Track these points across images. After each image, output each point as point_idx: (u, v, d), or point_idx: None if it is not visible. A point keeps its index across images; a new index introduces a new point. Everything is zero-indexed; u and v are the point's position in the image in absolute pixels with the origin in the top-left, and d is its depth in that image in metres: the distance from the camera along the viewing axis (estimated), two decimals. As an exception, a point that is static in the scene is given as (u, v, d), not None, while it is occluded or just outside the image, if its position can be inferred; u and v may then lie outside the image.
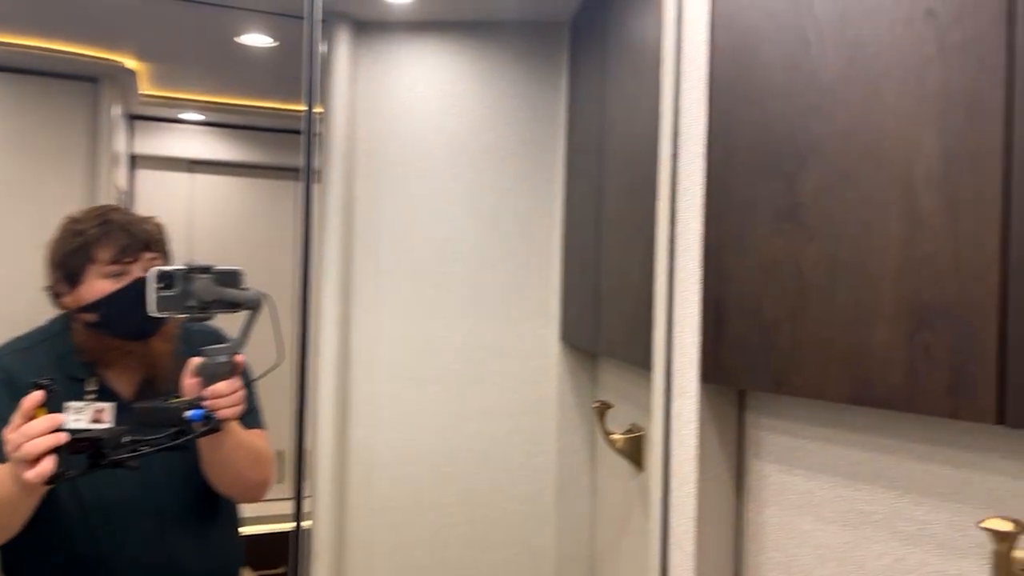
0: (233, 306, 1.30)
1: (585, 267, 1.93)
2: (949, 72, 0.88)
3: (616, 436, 1.69)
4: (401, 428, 2.23)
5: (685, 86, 1.23)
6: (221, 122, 3.39)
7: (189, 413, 1.26)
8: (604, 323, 1.71)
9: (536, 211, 2.24)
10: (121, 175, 3.03)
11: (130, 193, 3.21)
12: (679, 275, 1.22)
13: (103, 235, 1.41)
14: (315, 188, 1.55)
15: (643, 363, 1.36)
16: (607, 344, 1.71)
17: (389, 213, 2.26)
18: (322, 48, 2.10)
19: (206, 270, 1.30)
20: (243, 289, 1.32)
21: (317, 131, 1.54)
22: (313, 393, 2.19)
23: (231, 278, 1.32)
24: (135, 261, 1.41)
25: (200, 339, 1.41)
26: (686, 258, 1.21)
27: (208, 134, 3.41)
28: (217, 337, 1.47)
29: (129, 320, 1.37)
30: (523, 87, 2.25)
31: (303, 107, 1.53)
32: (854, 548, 1.05)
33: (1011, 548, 0.83)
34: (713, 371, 1.16)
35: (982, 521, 0.84)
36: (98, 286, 1.40)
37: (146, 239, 1.44)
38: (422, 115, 2.27)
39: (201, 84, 3.13)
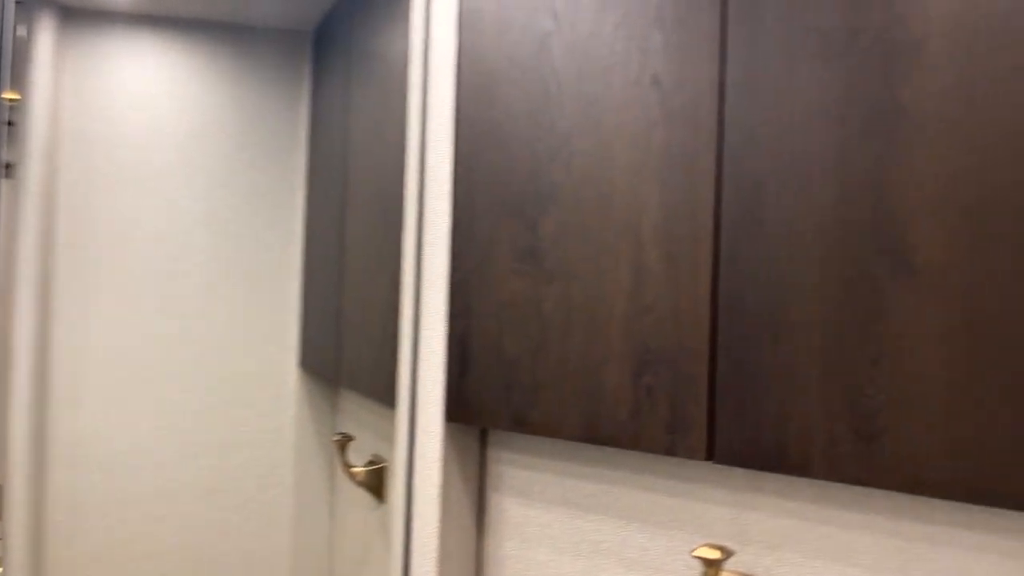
0: None
1: (327, 292, 1.86)
2: (671, 134, 0.95)
3: (357, 469, 1.64)
4: (112, 468, 1.99)
5: (432, 121, 1.22)
6: None
7: None
8: (346, 353, 1.66)
9: (274, 228, 2.12)
10: None
11: None
12: (425, 311, 1.21)
13: None
14: (3, 182, 1.33)
15: (387, 400, 1.33)
16: (349, 376, 1.65)
17: (102, 222, 2.01)
18: (20, 32, 1.83)
19: None
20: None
21: (5, 119, 1.31)
22: (1, 429, 1.88)
23: None
24: None
25: None
26: (432, 294, 1.20)
27: None
28: None
29: None
30: (261, 96, 2.12)
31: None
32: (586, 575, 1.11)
33: (718, 572, 0.92)
34: (457, 410, 1.16)
35: (695, 549, 0.92)
36: None
37: None
38: (146, 117, 2.05)
39: None
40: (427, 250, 1.21)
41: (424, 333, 1.21)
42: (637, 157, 0.98)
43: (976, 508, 0.81)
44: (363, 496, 1.71)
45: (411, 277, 1.23)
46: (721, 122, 0.92)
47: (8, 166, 1.98)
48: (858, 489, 0.88)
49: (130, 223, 2.04)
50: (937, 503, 0.84)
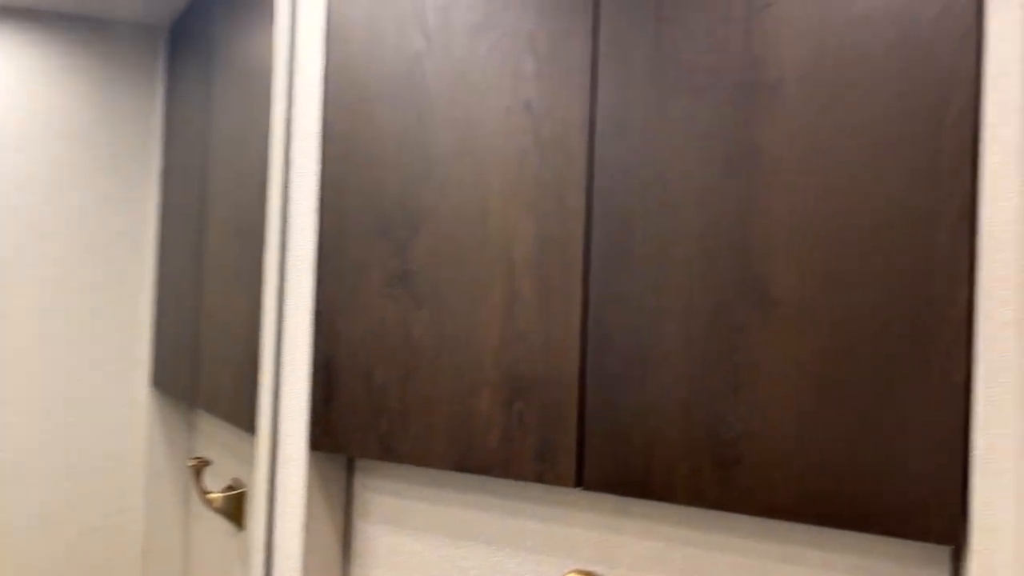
0: None
1: (183, 308, 1.75)
2: (543, 163, 0.96)
3: (214, 495, 1.55)
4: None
5: (298, 135, 1.17)
6: None
7: None
8: (204, 374, 1.56)
9: (124, 237, 1.98)
10: None
11: None
12: (288, 335, 1.16)
13: None
14: None
15: (248, 425, 1.26)
16: (207, 398, 1.56)
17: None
18: None
19: None
20: None
21: None
22: None
23: None
24: None
25: None
26: (296, 316, 1.15)
27: None
28: None
29: None
30: (111, 94, 1.97)
31: None
32: (455, 603, 1.09)
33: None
34: (322, 438, 1.11)
35: (564, 575, 0.93)
36: None
37: None
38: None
39: None
40: (291, 270, 1.16)
41: (287, 356, 1.16)
42: (510, 184, 0.98)
43: (824, 529, 0.86)
44: (221, 523, 1.62)
45: (273, 298, 1.18)
46: (591, 153, 0.93)
47: None
48: (718, 513, 0.92)
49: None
50: (790, 525, 0.88)
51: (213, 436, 1.85)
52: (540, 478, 0.94)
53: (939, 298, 0.77)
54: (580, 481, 0.92)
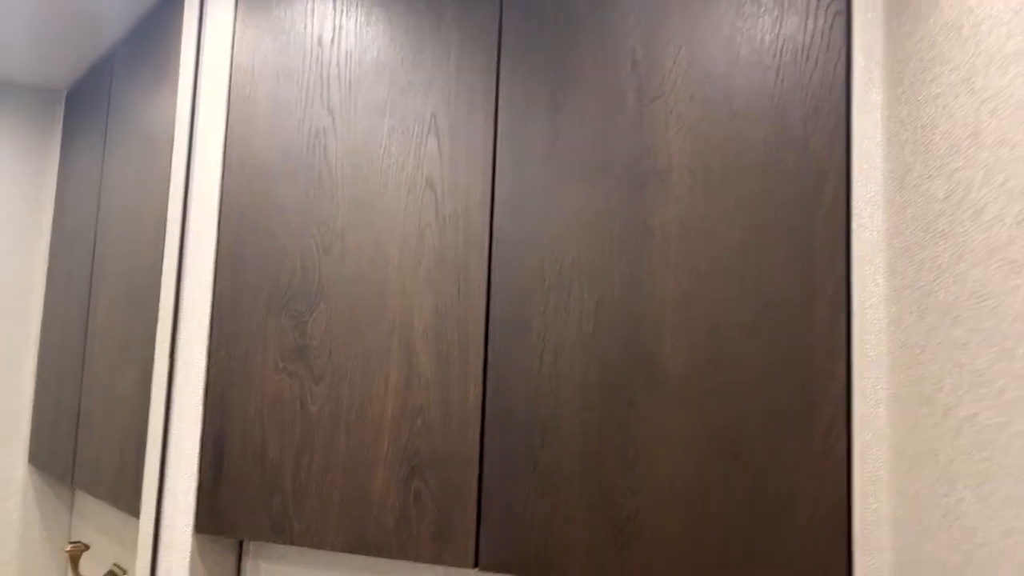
0: None
1: (65, 380, 1.65)
2: (443, 240, 0.97)
3: (92, 583, 1.44)
4: None
5: (195, 205, 1.15)
6: None
7: None
8: (84, 451, 1.47)
9: (9, 304, 1.87)
10: None
11: None
12: (176, 409, 1.10)
13: None
14: None
15: (131, 508, 1.19)
16: (88, 478, 1.46)
17: None
18: None
19: None
20: None
21: None
22: None
23: None
24: None
25: None
26: (187, 393, 1.10)
27: None
28: None
29: None
30: (4, 154, 1.89)
31: None
32: None
33: None
34: (209, 520, 1.06)
35: (460, 662, 0.90)
36: None
37: None
38: None
39: None
40: (182, 343, 1.12)
41: (175, 431, 1.10)
42: (410, 259, 0.98)
43: (717, 604, 0.87)
44: (99, 613, 1.50)
45: (163, 371, 1.13)
46: (491, 230, 0.95)
47: None
48: (615, 589, 0.91)
49: None
50: (684, 600, 0.88)
51: (94, 518, 1.73)
52: (438, 559, 0.92)
53: (819, 372, 0.80)
54: (478, 562, 0.90)
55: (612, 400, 0.86)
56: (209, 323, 1.10)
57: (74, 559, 1.46)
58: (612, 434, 0.86)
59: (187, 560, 1.06)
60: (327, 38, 1.07)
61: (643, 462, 0.84)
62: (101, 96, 1.72)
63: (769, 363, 0.82)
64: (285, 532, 1.01)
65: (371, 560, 1.04)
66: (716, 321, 0.84)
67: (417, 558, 0.93)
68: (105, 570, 1.51)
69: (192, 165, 1.15)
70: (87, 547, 1.52)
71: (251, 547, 1.14)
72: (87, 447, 1.46)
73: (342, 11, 1.06)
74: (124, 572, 1.47)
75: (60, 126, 1.97)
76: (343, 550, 0.97)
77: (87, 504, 1.79)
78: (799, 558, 0.79)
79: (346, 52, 1.05)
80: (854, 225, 0.81)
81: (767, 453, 0.81)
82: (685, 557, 0.82)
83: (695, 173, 0.87)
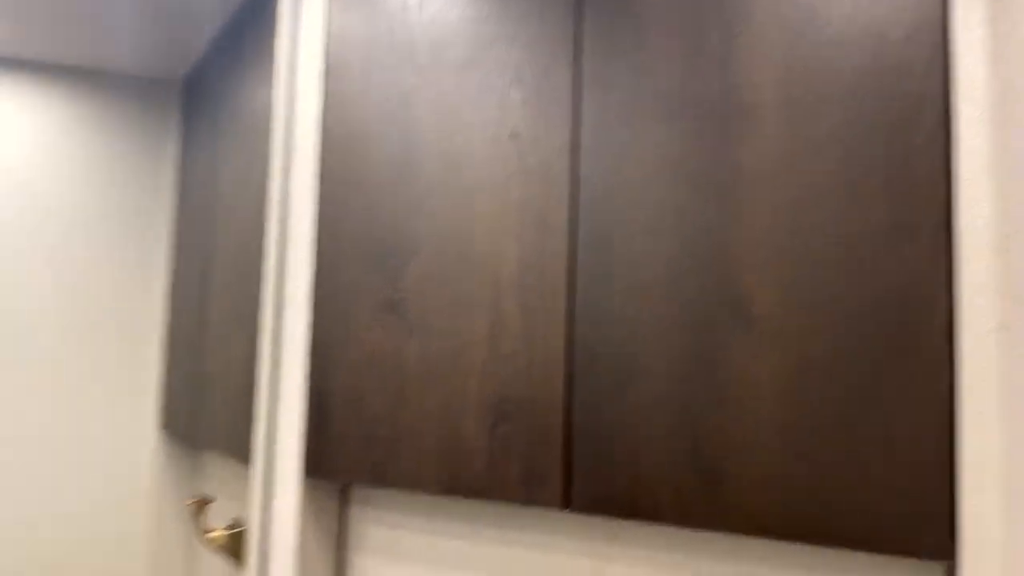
0: None
1: (188, 350, 1.78)
2: (527, 189, 0.98)
3: (214, 533, 1.54)
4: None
5: (296, 171, 1.21)
6: None
7: None
8: (206, 412, 1.58)
9: (136, 283, 2.02)
10: None
11: None
12: (284, 366, 1.17)
13: None
14: None
15: (245, 457, 1.27)
16: (209, 436, 1.57)
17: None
18: None
19: None
20: None
21: None
22: None
23: None
24: None
25: None
26: (292, 348, 1.17)
27: None
28: None
29: None
30: (128, 145, 2.04)
31: None
32: (447, 637, 1.08)
33: (574, 624, 0.91)
34: (316, 465, 1.12)
35: (551, 601, 0.91)
36: None
37: None
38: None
39: None
40: (288, 302, 1.18)
41: (282, 385, 1.17)
42: (496, 210, 1.00)
43: (814, 548, 0.85)
44: (224, 565, 1.61)
45: (269, 329, 1.20)
46: (575, 178, 0.95)
47: None
48: (706, 535, 0.90)
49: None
50: (779, 545, 0.86)
51: (218, 477, 1.85)
52: (528, 501, 0.93)
53: (921, 305, 0.77)
54: (568, 503, 0.91)
55: (701, 341, 0.85)
56: (311, 282, 1.16)
57: (198, 511, 1.57)
58: (701, 375, 0.85)
59: (296, 501, 1.12)
60: (412, 2, 1.10)
61: (733, 403, 0.83)
62: (211, 80, 1.83)
63: (865, 298, 0.79)
64: (383, 477, 1.05)
65: (465, 507, 1.07)
66: (808, 257, 0.81)
67: (507, 499, 0.95)
68: (227, 523, 1.61)
69: (292, 133, 1.21)
70: (210, 500, 1.62)
71: (354, 495, 1.19)
72: (208, 408, 1.57)
73: (426, -27, 1.09)
74: (244, 524, 1.57)
75: (178, 114, 2.10)
76: (437, 493, 1.01)
77: (211, 466, 1.91)
78: (899, 500, 0.75)
79: (431, 15, 1.08)
80: (956, 148, 0.77)
81: (864, 391, 0.78)
82: (777, 499, 0.80)
83: (783, 107, 0.84)
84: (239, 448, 1.33)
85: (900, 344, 0.77)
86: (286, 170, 1.21)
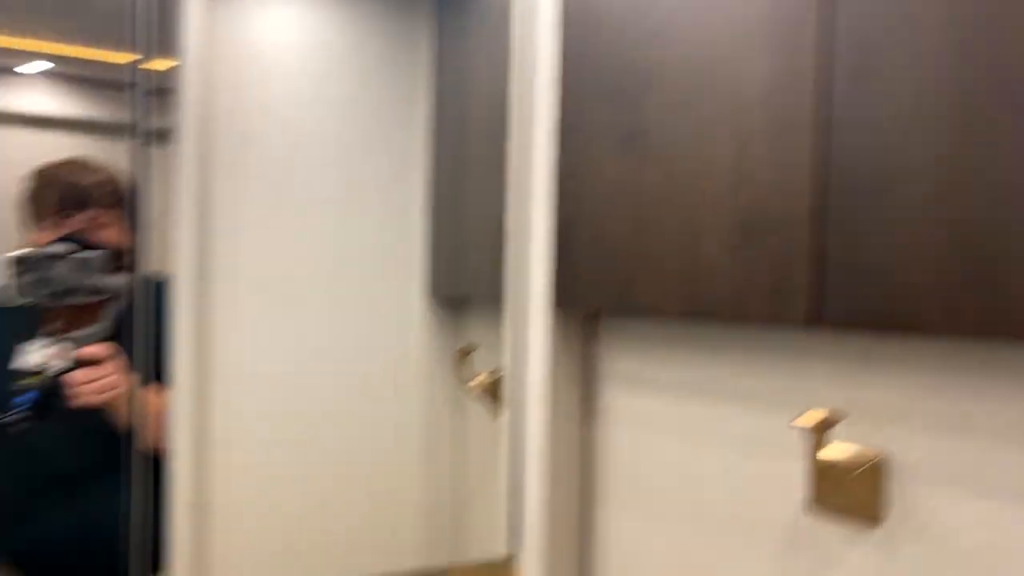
0: (95, 293, 1.26)
1: (450, 215, 1.93)
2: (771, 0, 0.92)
3: (476, 380, 1.70)
4: (268, 383, 2.16)
5: (540, 18, 1.25)
6: (67, 74, 3.14)
7: (21, 396, 1.24)
8: (467, 270, 1.72)
9: (398, 164, 2.20)
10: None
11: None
12: (531, 202, 1.24)
13: (34, 188, 1.37)
14: (155, 150, 1.48)
15: (498, 299, 1.37)
16: (470, 289, 1.71)
17: (251, 172, 2.16)
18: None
19: (63, 256, 1.24)
20: (110, 273, 1.28)
21: (154, 86, 1.46)
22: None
23: (94, 263, 1.28)
24: (67, 217, 1.34)
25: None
26: (538, 185, 1.23)
27: (51, 87, 3.15)
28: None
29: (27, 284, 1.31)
30: (388, 34, 2.20)
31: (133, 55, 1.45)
32: (692, 459, 1.11)
33: (823, 441, 0.90)
34: (563, 294, 1.18)
35: (796, 419, 0.91)
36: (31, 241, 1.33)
37: (78, 195, 1.37)
38: (283, 64, 2.18)
39: (44, 31, 2.89)
40: (533, 142, 1.24)
41: (530, 221, 1.25)
42: (738, 26, 0.96)
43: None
44: (485, 416, 1.77)
45: (516, 169, 1.27)
46: (828, -22, 0.88)
47: (159, 133, 2.13)
48: (980, 352, 0.83)
49: (274, 181, 2.17)
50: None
51: (480, 334, 2.03)
52: (774, 317, 0.92)
53: None
54: (818, 318, 0.88)
55: (973, 142, 0.77)
56: (555, 120, 1.20)
57: (461, 358, 1.73)
58: (971, 177, 0.77)
59: (545, 336, 1.21)
60: None
61: (1007, 203, 0.74)
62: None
63: None
64: (627, 303, 1.09)
65: (708, 332, 1.08)
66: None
67: (753, 318, 0.94)
68: (487, 372, 1.77)
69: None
70: (474, 348, 1.79)
71: (599, 326, 1.25)
72: (468, 266, 1.71)
73: None
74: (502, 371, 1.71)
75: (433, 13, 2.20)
76: (680, 315, 1.02)
77: (475, 323, 2.08)
78: None
79: None
80: None
81: None
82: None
83: None
84: (496, 293, 1.44)
85: None
86: (530, 15, 1.25)
